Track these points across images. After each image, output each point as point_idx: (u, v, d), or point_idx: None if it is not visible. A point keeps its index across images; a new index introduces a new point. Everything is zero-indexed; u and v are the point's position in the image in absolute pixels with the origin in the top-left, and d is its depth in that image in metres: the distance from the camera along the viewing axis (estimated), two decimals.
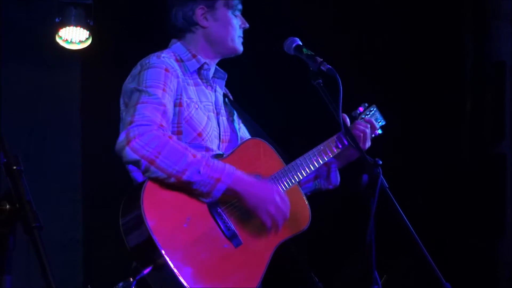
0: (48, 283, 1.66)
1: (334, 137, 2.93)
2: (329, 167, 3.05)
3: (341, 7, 5.15)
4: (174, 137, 2.62)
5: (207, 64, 2.92)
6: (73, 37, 5.09)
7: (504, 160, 4.98)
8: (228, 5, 2.93)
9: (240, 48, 2.97)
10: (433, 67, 5.07)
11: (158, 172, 2.52)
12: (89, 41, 5.13)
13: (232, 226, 2.64)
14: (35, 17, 5.20)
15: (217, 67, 3.01)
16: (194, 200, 2.61)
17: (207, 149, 2.79)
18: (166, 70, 2.75)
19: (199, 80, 2.91)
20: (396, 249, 4.46)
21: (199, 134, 2.79)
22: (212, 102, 2.92)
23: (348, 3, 5.14)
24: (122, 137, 2.54)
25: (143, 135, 2.52)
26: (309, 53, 2.79)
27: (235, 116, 3.07)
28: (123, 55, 5.23)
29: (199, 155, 2.59)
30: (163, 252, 2.44)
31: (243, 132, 3.09)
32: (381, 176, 2.43)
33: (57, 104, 5.33)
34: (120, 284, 2.59)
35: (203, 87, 2.91)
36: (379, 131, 3.11)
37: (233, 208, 2.67)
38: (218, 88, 2.99)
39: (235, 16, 2.95)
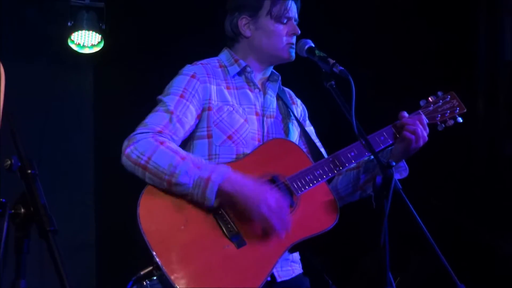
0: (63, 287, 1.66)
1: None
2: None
3: (352, 5, 5.14)
4: (169, 142, 2.65)
5: (249, 67, 2.93)
6: (85, 41, 5.10)
7: None
8: (271, 14, 2.91)
9: (288, 56, 2.93)
10: (445, 66, 5.05)
11: (152, 177, 2.59)
12: (102, 45, 5.14)
13: (235, 227, 2.60)
14: (48, 19, 5.22)
15: (273, 70, 3.02)
16: (196, 202, 2.60)
17: (238, 152, 2.79)
18: (193, 76, 2.83)
19: (244, 84, 2.94)
20: (410, 250, 4.45)
21: (229, 137, 2.80)
22: (256, 104, 2.92)
23: (359, 3, 5.14)
24: (123, 145, 2.65)
25: (137, 142, 2.62)
26: (321, 54, 2.78)
27: (292, 119, 3.02)
28: (135, 57, 5.25)
29: (190, 157, 2.61)
30: (154, 253, 2.49)
31: (307, 136, 3.02)
32: (395, 177, 2.41)
33: (69, 107, 5.35)
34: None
35: (247, 90, 2.93)
36: (460, 119, 2.99)
37: (238, 209, 2.62)
38: (270, 91, 2.99)
39: (282, 23, 2.92)
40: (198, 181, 2.56)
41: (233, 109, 2.84)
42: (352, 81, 2.60)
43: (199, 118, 2.81)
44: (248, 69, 2.94)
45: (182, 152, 2.65)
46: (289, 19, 2.92)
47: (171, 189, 2.59)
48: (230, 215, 2.62)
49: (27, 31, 5.15)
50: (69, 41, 5.11)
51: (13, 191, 1.82)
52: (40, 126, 5.10)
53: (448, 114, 2.99)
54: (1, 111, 1.87)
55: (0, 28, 4.96)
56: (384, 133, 2.87)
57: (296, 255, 2.88)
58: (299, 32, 2.93)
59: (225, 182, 2.57)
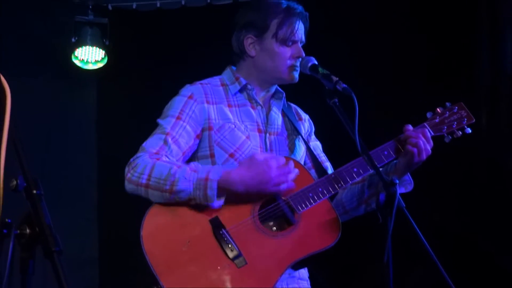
0: None
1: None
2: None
3: (350, 22, 5.15)
4: (163, 158, 2.70)
5: (250, 85, 2.95)
6: (89, 57, 5.12)
7: None
8: (277, 37, 2.91)
9: (291, 78, 2.94)
10: (447, 77, 5.04)
11: (155, 192, 2.64)
12: (105, 61, 5.15)
13: (236, 247, 2.62)
14: (53, 34, 5.24)
15: (277, 87, 3.03)
16: (198, 223, 2.64)
17: None
18: (190, 97, 2.87)
19: (246, 101, 2.96)
20: (412, 264, 4.44)
21: (231, 155, 2.82)
22: (258, 121, 2.93)
23: (358, 12, 5.15)
24: (125, 171, 2.71)
25: (135, 165, 2.68)
26: (324, 72, 2.78)
27: (298, 135, 3.02)
28: (138, 73, 5.27)
29: (185, 165, 2.68)
30: (156, 275, 2.52)
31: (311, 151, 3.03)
32: (398, 195, 2.41)
33: (73, 122, 5.36)
34: None
35: (249, 107, 2.95)
36: (469, 130, 2.96)
37: (239, 229, 2.65)
38: (275, 108, 3.00)
39: (288, 46, 2.92)
40: (197, 182, 2.60)
41: (235, 126, 2.86)
42: (355, 99, 2.60)
43: (199, 138, 2.84)
44: (249, 86, 2.95)
45: (177, 162, 2.71)
46: (294, 42, 2.93)
47: (175, 199, 2.63)
48: (232, 235, 2.64)
49: (30, 46, 5.16)
50: (72, 57, 5.13)
51: (18, 211, 1.82)
52: (43, 141, 5.11)
53: (455, 125, 2.96)
54: (6, 132, 1.88)
55: (4, 43, 4.98)
56: (388, 148, 2.86)
57: (303, 272, 2.88)
58: (304, 55, 2.93)
59: (223, 177, 2.61)
